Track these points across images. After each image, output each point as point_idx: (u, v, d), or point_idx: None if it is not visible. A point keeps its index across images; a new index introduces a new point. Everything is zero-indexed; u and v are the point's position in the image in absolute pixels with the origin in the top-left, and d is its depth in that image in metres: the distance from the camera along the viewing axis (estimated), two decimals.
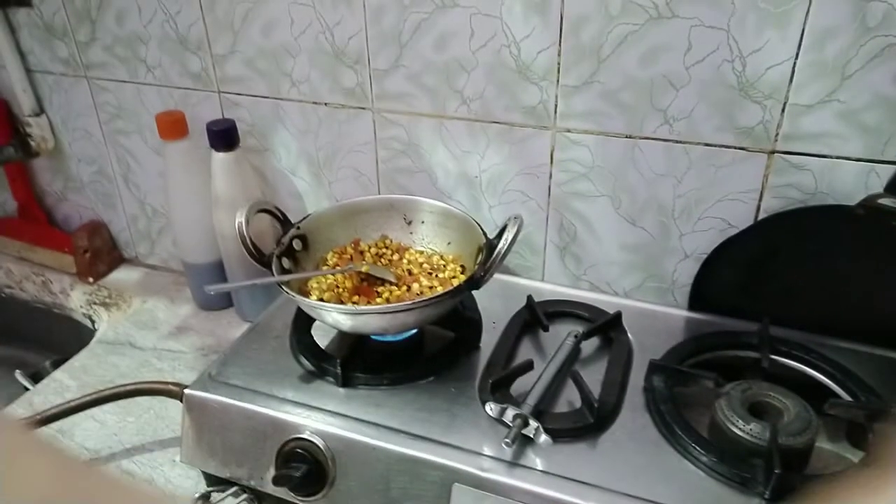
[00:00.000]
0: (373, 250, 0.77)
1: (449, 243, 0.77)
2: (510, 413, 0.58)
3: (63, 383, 0.85)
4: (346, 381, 0.65)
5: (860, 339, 0.68)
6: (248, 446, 0.64)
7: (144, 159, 1.02)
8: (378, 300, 0.70)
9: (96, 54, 0.95)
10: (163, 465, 0.72)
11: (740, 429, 0.56)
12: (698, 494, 0.53)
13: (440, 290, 0.68)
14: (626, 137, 0.72)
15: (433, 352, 0.70)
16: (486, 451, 0.57)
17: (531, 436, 0.57)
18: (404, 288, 0.70)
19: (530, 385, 0.62)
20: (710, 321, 0.73)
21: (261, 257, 0.69)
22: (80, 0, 0.92)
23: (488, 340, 0.71)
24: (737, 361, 0.67)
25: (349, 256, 0.76)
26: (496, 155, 0.79)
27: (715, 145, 0.69)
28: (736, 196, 0.71)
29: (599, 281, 0.82)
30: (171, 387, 0.71)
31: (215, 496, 0.66)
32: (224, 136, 0.81)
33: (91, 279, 1.06)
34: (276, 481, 0.60)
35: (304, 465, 0.60)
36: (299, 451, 0.60)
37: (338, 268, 0.72)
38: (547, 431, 0.56)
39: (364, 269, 0.71)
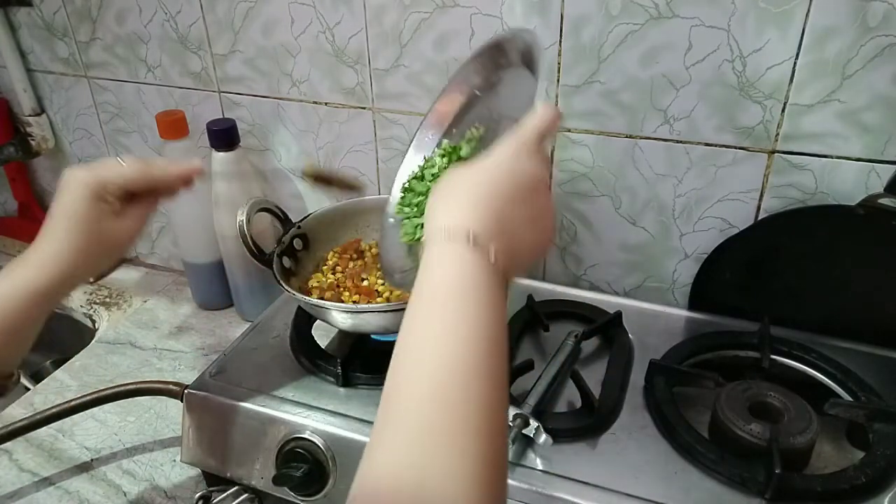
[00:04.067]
0: (373, 250, 0.77)
1: None
2: (510, 413, 0.58)
3: (63, 383, 0.85)
4: (346, 381, 0.65)
5: (860, 338, 0.68)
6: (248, 446, 0.64)
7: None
8: (378, 299, 0.70)
9: (97, 54, 0.95)
10: (163, 465, 0.72)
11: (740, 429, 0.56)
12: (698, 494, 0.53)
13: None
14: (627, 137, 0.72)
15: None
16: None
17: (531, 436, 0.57)
18: None
19: (530, 385, 0.62)
20: (711, 321, 0.73)
21: (261, 256, 0.69)
22: (80, 0, 0.92)
23: None
24: (737, 361, 0.67)
25: (349, 256, 0.76)
26: None
27: (715, 145, 0.69)
28: (736, 196, 0.71)
29: (600, 281, 0.82)
30: (171, 386, 0.71)
31: (215, 496, 0.66)
32: (224, 136, 0.81)
33: (91, 279, 1.06)
34: (276, 481, 0.60)
35: (304, 464, 0.60)
36: (299, 450, 0.60)
37: None
38: (547, 431, 0.56)
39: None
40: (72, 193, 0.53)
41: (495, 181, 0.44)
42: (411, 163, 0.64)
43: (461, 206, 0.43)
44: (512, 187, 0.44)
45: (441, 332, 0.39)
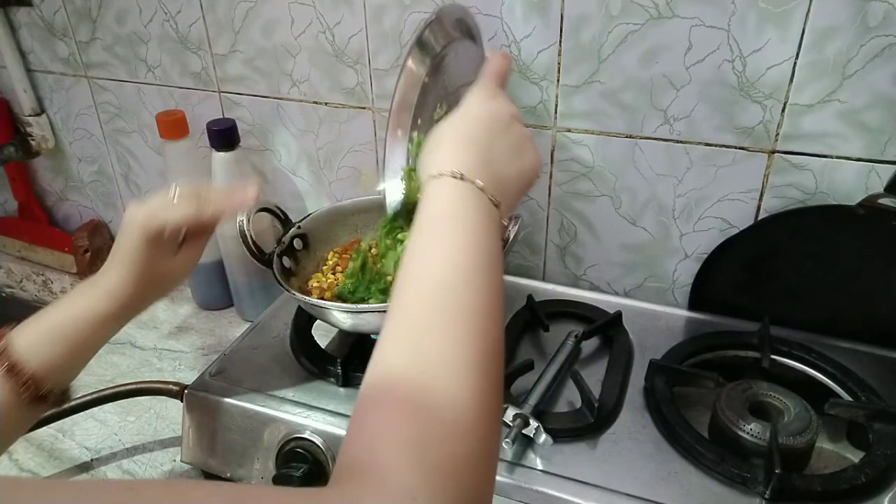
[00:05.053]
0: (373, 251, 0.77)
1: None
2: (510, 413, 0.58)
3: None
4: (346, 381, 0.65)
5: (860, 339, 0.68)
6: (248, 446, 0.64)
7: (145, 159, 1.02)
8: None
9: (97, 54, 0.95)
10: (163, 465, 0.72)
11: (740, 429, 0.56)
12: (698, 494, 0.53)
13: None
14: (627, 137, 0.72)
15: None
16: None
17: (531, 436, 0.57)
18: None
19: (531, 385, 0.62)
20: (711, 321, 0.73)
21: (261, 256, 0.69)
22: (80, 0, 0.92)
23: None
24: (737, 361, 0.67)
25: (349, 256, 0.76)
26: None
27: (715, 145, 0.69)
28: (736, 196, 0.71)
29: (600, 281, 0.82)
30: (171, 386, 0.71)
31: None
32: (224, 136, 0.81)
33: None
34: (276, 481, 0.60)
35: (304, 464, 0.60)
36: (299, 450, 0.60)
37: None
38: (547, 431, 0.56)
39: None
40: (130, 236, 0.56)
41: (471, 125, 0.49)
42: (393, 170, 0.65)
43: (444, 153, 0.46)
44: (487, 125, 0.49)
45: (436, 251, 0.42)
